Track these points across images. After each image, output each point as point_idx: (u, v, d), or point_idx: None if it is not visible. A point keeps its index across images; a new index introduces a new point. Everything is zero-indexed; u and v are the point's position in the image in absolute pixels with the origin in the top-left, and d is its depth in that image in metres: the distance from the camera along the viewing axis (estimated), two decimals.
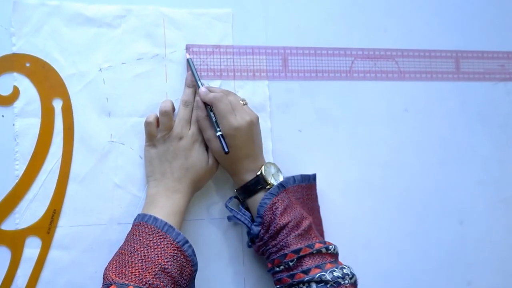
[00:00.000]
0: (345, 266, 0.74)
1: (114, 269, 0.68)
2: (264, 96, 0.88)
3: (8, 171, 0.77)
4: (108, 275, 0.67)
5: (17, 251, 0.76)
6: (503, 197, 0.97)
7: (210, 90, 0.80)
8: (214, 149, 0.79)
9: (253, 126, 0.79)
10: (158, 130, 0.79)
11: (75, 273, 0.77)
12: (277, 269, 0.75)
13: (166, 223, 0.71)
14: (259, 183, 0.79)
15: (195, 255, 0.72)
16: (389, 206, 0.90)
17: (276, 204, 0.76)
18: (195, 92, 0.82)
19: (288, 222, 0.75)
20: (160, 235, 0.70)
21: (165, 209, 0.74)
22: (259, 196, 0.78)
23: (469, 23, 0.99)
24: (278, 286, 0.75)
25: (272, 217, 0.76)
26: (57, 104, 0.80)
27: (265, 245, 0.77)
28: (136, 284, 0.65)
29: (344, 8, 0.93)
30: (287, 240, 0.75)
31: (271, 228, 0.76)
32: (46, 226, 0.77)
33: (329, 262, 0.74)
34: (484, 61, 0.98)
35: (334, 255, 0.76)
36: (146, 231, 0.71)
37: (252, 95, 0.87)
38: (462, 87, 0.97)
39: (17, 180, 0.77)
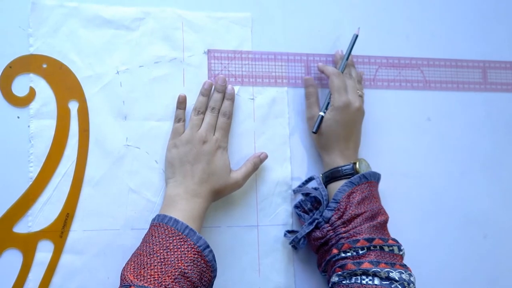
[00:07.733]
0: (413, 274, 0.73)
1: (132, 270, 0.66)
2: (283, 102, 0.86)
3: (22, 173, 0.76)
4: (126, 276, 0.66)
5: (29, 254, 0.75)
6: None
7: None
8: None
9: (359, 113, 0.82)
10: (187, 128, 0.79)
11: (87, 278, 0.76)
12: (343, 255, 0.74)
13: (187, 226, 0.70)
14: (350, 170, 0.79)
15: (215, 261, 0.71)
16: (410, 217, 0.88)
17: (354, 193, 0.77)
18: (208, 101, 0.81)
19: (364, 212, 0.76)
20: (181, 238, 0.69)
21: (185, 213, 0.73)
22: (341, 184, 0.79)
23: (496, 32, 0.97)
24: (339, 272, 0.73)
25: (348, 205, 0.76)
26: (73, 106, 0.79)
27: (335, 230, 0.76)
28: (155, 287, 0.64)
29: (368, 15, 0.91)
30: (361, 228, 0.75)
31: (346, 214, 0.76)
32: (59, 230, 0.76)
33: (400, 264, 0.73)
34: None
35: (403, 259, 0.75)
36: (166, 233, 0.69)
37: (271, 101, 0.86)
38: (489, 98, 0.95)
39: (30, 183, 0.76)
